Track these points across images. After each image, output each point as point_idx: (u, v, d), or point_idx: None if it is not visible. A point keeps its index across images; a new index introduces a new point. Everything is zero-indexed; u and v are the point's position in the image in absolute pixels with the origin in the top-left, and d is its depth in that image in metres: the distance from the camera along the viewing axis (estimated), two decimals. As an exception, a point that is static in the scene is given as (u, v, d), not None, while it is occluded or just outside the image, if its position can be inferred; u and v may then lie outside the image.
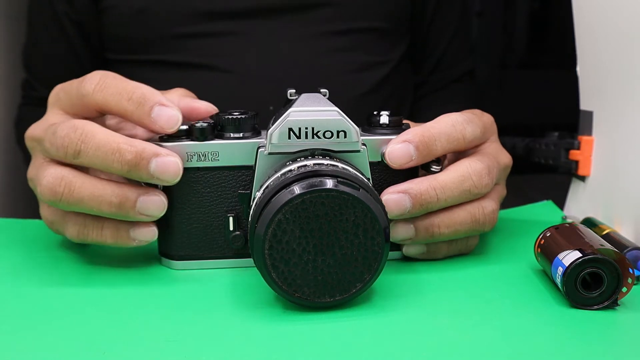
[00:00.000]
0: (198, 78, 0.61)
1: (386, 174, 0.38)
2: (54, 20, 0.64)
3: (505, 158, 0.44)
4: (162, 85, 0.62)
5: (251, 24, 0.61)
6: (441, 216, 0.39)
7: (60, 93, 0.41)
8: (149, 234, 0.39)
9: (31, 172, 0.41)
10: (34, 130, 0.41)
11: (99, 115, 0.40)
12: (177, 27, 0.60)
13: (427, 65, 0.74)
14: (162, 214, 0.38)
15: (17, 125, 0.70)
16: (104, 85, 0.38)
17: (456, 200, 0.39)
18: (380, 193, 0.37)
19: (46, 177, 0.37)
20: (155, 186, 0.38)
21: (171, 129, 0.37)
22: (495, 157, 0.41)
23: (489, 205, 0.40)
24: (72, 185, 0.36)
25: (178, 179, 0.37)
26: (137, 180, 0.37)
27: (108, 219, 0.38)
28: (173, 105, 0.37)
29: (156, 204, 0.37)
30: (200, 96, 0.62)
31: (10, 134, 0.72)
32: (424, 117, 0.70)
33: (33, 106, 0.68)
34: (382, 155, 0.38)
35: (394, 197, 0.37)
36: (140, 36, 0.61)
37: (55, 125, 0.37)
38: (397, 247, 0.41)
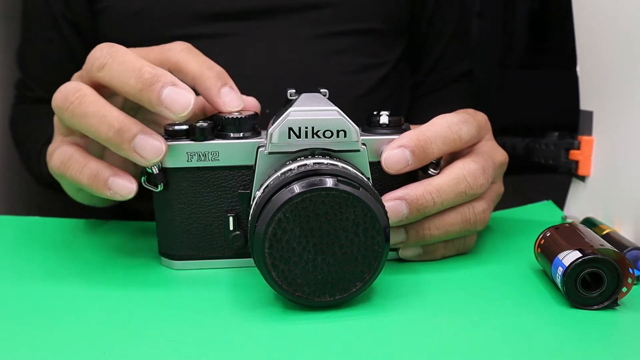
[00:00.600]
0: None
1: (386, 174, 0.38)
2: (51, 21, 0.63)
3: (501, 156, 0.44)
4: None
5: (248, 25, 0.61)
6: (431, 218, 0.39)
7: (136, 50, 0.41)
8: (126, 189, 0.38)
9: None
10: None
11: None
12: (174, 28, 0.60)
13: (425, 65, 0.74)
14: (157, 161, 0.36)
15: (11, 124, 0.70)
16: (191, 48, 0.41)
17: (452, 203, 0.39)
18: (380, 193, 0.37)
19: (65, 85, 0.37)
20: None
21: (231, 109, 0.39)
22: (490, 156, 0.41)
23: (480, 205, 0.40)
24: (84, 97, 0.36)
25: (185, 114, 0.35)
26: (146, 105, 0.36)
27: (93, 160, 0.38)
28: (239, 94, 0.40)
29: (154, 147, 0.36)
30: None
31: (7, 133, 0.72)
32: (422, 117, 0.70)
33: (28, 104, 0.68)
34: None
35: (391, 204, 0.37)
36: (137, 38, 0.61)
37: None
38: (393, 248, 0.41)
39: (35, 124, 0.65)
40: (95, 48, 0.38)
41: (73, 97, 0.37)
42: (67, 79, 0.66)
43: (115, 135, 0.36)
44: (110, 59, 0.36)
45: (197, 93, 0.41)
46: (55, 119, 0.42)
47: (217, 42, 0.60)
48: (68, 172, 0.38)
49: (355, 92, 0.63)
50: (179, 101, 0.35)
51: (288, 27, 0.61)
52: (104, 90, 0.38)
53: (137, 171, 0.42)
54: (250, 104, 0.43)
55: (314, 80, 0.61)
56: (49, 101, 0.66)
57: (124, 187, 0.38)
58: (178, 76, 0.40)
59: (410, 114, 0.73)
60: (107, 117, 0.36)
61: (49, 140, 0.43)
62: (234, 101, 0.39)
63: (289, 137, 0.36)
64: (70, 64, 0.65)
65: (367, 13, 0.64)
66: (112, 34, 0.62)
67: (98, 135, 0.36)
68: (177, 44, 0.41)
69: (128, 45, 0.61)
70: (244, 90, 0.60)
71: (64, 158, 0.39)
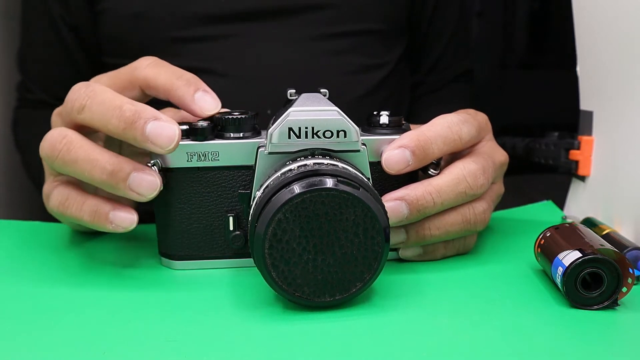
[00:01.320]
0: None
1: (386, 174, 0.38)
2: (49, 23, 0.63)
3: (501, 156, 0.44)
4: None
5: (249, 27, 0.61)
6: (432, 218, 0.39)
7: (106, 76, 0.41)
8: (127, 221, 0.38)
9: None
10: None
11: (140, 93, 0.40)
12: (175, 31, 0.60)
13: (425, 65, 0.74)
14: (153, 196, 0.36)
15: (14, 128, 0.70)
16: (158, 62, 0.40)
17: (452, 203, 0.39)
18: (380, 193, 0.37)
19: (51, 133, 0.37)
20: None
21: (209, 112, 0.39)
22: (490, 156, 0.41)
23: (480, 205, 0.40)
24: (72, 144, 0.36)
25: (172, 147, 0.35)
26: (131, 142, 0.36)
27: (91, 197, 0.38)
28: (214, 96, 0.39)
29: (149, 183, 0.36)
30: None
31: (8, 136, 0.72)
32: (421, 117, 0.69)
33: (29, 109, 0.68)
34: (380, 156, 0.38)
35: (391, 205, 0.37)
36: (137, 40, 0.61)
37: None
38: (393, 248, 0.41)
39: (35, 131, 0.65)
40: (72, 89, 0.38)
41: (60, 145, 0.36)
42: (66, 80, 0.66)
43: (109, 177, 0.36)
44: (89, 99, 0.36)
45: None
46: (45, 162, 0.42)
47: (217, 44, 0.60)
48: (68, 211, 0.39)
49: (356, 92, 0.63)
50: (163, 135, 0.35)
51: (288, 28, 0.61)
52: (85, 129, 0.38)
53: (135, 202, 0.42)
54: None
55: (314, 81, 0.61)
56: (49, 104, 0.66)
57: (125, 219, 0.38)
58: (150, 92, 0.40)
59: (410, 114, 0.73)
60: (98, 161, 0.36)
61: None
62: (210, 104, 0.39)
63: (289, 137, 0.36)
64: (69, 66, 0.65)
65: (368, 14, 0.64)
66: (111, 36, 0.62)
67: (92, 179, 0.36)
68: (144, 60, 0.40)
69: (128, 48, 0.62)
70: (246, 91, 0.61)
71: (61, 199, 0.39)
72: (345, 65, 0.63)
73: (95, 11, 0.62)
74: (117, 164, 0.36)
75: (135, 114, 0.35)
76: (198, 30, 0.60)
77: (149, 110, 0.36)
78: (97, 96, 0.36)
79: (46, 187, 0.42)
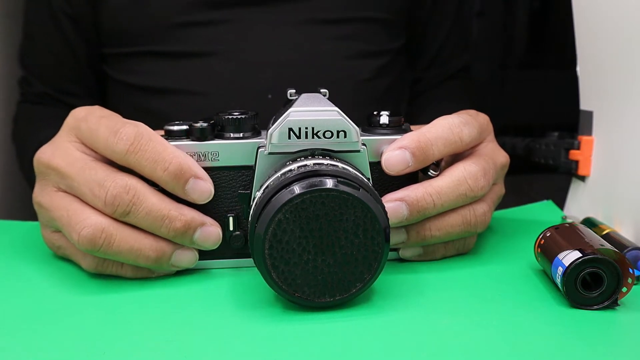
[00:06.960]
0: (198, 67, 0.61)
1: (386, 175, 0.38)
2: (50, 16, 0.64)
3: (502, 157, 0.44)
4: (161, 75, 0.62)
5: (251, 11, 0.61)
6: (432, 219, 0.39)
7: (84, 125, 0.38)
8: (169, 271, 0.40)
9: (42, 198, 0.39)
10: (51, 159, 0.38)
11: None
12: (176, 16, 0.60)
13: (423, 60, 0.74)
14: (193, 266, 0.39)
15: (14, 122, 0.70)
16: (138, 147, 0.36)
17: (453, 205, 0.39)
18: (380, 193, 0.37)
19: (86, 227, 0.36)
20: None
21: (202, 202, 0.38)
22: (491, 158, 0.41)
23: (481, 207, 0.40)
24: (112, 237, 0.36)
25: (216, 247, 0.38)
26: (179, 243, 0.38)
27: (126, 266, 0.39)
28: (207, 178, 0.37)
29: (189, 258, 0.38)
30: (200, 84, 0.61)
31: (7, 134, 0.72)
32: (422, 115, 0.70)
33: (30, 104, 0.68)
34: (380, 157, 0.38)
35: (391, 206, 0.37)
36: (138, 26, 0.61)
37: (101, 176, 0.36)
38: (394, 248, 0.41)
39: (32, 127, 0.65)
40: (112, 190, 0.35)
41: (100, 240, 0.36)
42: (67, 73, 0.67)
43: (154, 262, 0.37)
44: (134, 207, 0.36)
45: None
46: (39, 210, 0.40)
47: (220, 28, 0.61)
48: (107, 271, 0.39)
49: (356, 78, 0.64)
50: (209, 240, 0.38)
51: (291, 13, 0.62)
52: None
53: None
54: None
55: (315, 65, 0.61)
56: (51, 96, 0.67)
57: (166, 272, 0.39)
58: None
59: (409, 112, 0.73)
60: (142, 250, 0.37)
61: (41, 142, 0.42)
62: (203, 194, 0.37)
63: (289, 138, 0.36)
64: (69, 58, 0.65)
65: (371, 2, 0.64)
66: (112, 25, 0.62)
67: (136, 264, 0.38)
68: (122, 142, 0.36)
69: (128, 35, 0.62)
70: (248, 75, 0.61)
71: (98, 262, 0.38)
72: (346, 50, 0.63)
73: (95, 0, 0.62)
74: (160, 249, 0.37)
75: (184, 224, 0.37)
76: (199, 15, 0.60)
77: (197, 217, 0.37)
78: (142, 203, 0.36)
79: (46, 235, 0.41)
